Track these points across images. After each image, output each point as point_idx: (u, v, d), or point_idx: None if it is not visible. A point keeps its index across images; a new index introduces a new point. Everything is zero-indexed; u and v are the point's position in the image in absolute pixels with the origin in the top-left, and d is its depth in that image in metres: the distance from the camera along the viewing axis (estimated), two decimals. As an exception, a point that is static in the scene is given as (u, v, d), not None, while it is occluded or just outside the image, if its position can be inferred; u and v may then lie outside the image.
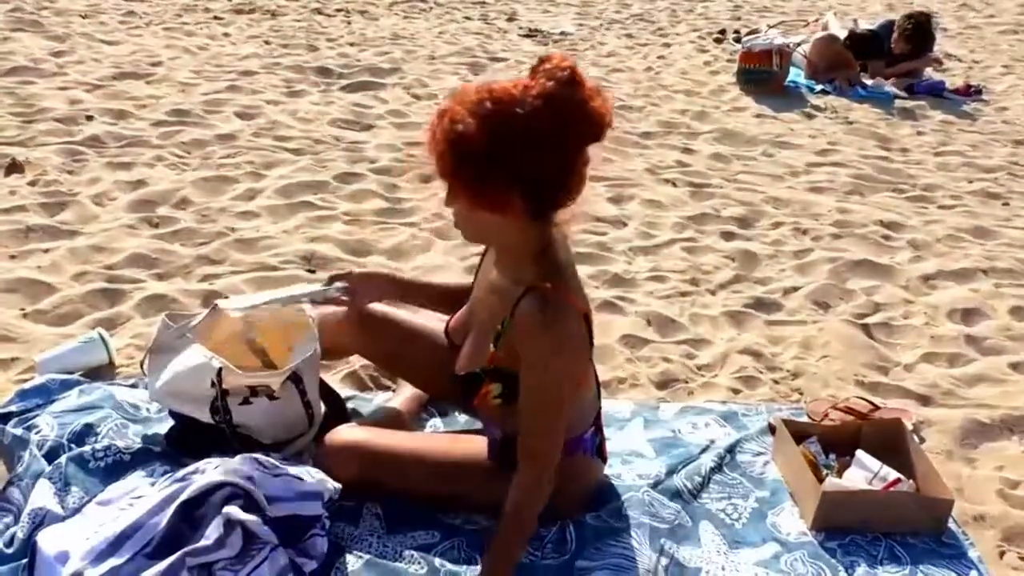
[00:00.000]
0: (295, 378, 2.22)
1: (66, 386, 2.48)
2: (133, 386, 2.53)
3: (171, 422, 2.30)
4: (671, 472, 2.36)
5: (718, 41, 7.79)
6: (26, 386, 2.46)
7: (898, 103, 6.38)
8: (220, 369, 2.14)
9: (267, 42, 6.51)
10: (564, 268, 1.89)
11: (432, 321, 2.36)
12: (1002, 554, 2.23)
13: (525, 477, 1.89)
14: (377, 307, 2.36)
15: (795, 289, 3.50)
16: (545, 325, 1.79)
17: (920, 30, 6.75)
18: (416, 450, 2.12)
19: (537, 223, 1.83)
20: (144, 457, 2.21)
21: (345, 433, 2.14)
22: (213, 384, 2.15)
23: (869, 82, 6.71)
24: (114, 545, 1.80)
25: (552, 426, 1.89)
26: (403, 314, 2.38)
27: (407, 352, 2.34)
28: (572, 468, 2.06)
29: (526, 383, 1.85)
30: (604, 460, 2.23)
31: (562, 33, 7.66)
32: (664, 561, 2.06)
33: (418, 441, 2.20)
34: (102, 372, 2.64)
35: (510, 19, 8.09)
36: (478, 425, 2.24)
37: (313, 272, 3.33)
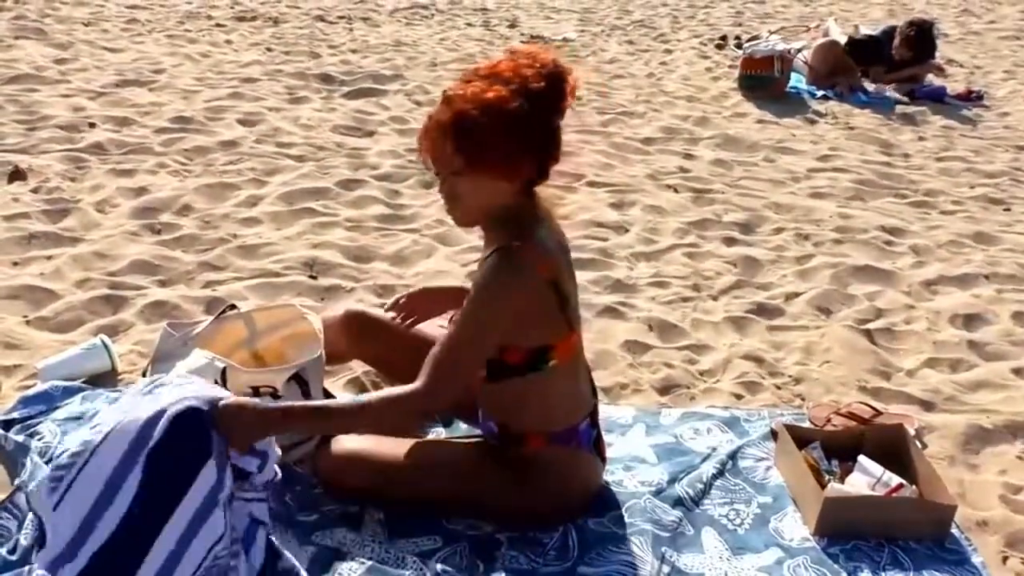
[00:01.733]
0: (299, 380, 2.22)
1: (68, 393, 2.48)
2: (135, 393, 2.53)
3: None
4: (673, 479, 2.35)
5: (719, 47, 7.80)
6: (29, 393, 2.47)
7: (899, 108, 6.38)
8: (224, 369, 2.15)
9: (269, 49, 6.53)
10: (536, 232, 1.93)
11: (429, 326, 2.37)
12: (1005, 559, 2.22)
13: (415, 387, 1.86)
14: (372, 312, 2.38)
15: (797, 294, 3.50)
16: (496, 270, 1.87)
17: (922, 36, 6.76)
18: (419, 457, 2.12)
19: (526, 189, 1.94)
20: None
21: (348, 442, 2.14)
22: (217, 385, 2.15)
23: (870, 88, 6.72)
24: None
25: (459, 346, 1.88)
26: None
27: (404, 357, 2.34)
28: (571, 461, 2.09)
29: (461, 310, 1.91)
30: (603, 460, 2.23)
31: (564, 39, 7.67)
32: (666, 569, 2.06)
33: (420, 448, 2.21)
34: (104, 379, 2.64)
35: (512, 26, 8.11)
36: (479, 433, 2.24)
37: (315, 279, 3.33)
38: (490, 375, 2.00)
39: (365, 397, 1.92)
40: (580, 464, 2.14)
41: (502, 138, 1.83)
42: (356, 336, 2.38)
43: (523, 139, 1.85)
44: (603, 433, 2.52)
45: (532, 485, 2.07)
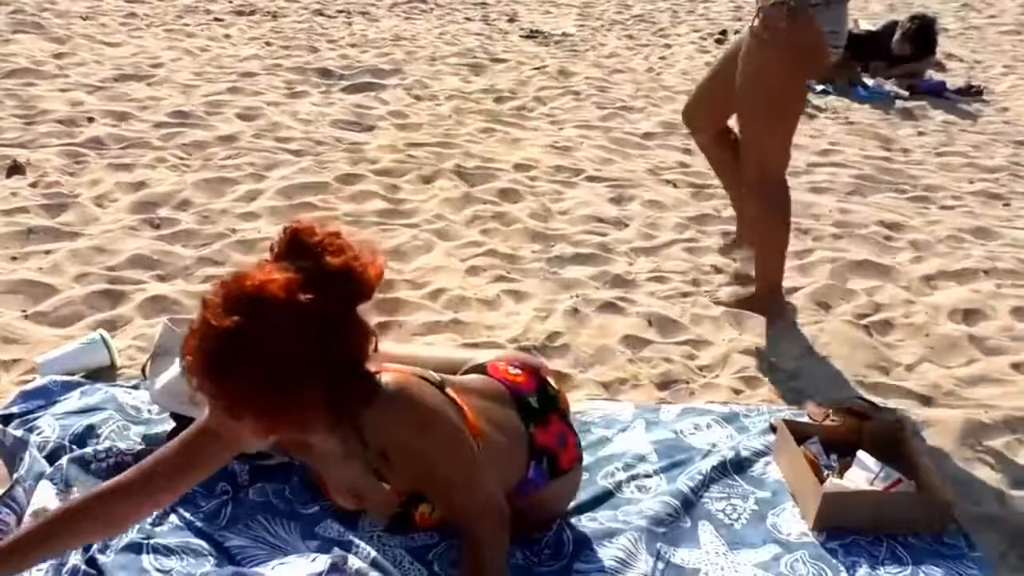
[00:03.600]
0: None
1: (67, 388, 2.48)
2: (135, 387, 2.53)
3: (172, 424, 2.30)
4: (673, 475, 2.36)
5: (719, 42, 7.79)
6: (28, 387, 2.47)
7: (899, 103, 6.37)
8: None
9: (268, 43, 6.52)
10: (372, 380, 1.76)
11: (437, 352, 2.36)
12: (1003, 554, 2.22)
13: (481, 549, 1.83)
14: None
15: (796, 289, 3.50)
16: (425, 416, 1.76)
17: (924, 31, 6.75)
18: None
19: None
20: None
21: None
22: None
23: (870, 82, 6.71)
24: None
25: (474, 480, 1.84)
26: (409, 351, 2.31)
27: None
28: (538, 504, 2.05)
29: (428, 470, 1.80)
30: (565, 466, 2.08)
31: (563, 34, 7.66)
32: (660, 566, 2.06)
33: None
34: (103, 373, 2.64)
35: (511, 20, 8.09)
36: None
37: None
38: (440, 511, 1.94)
39: None
40: (547, 500, 2.09)
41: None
42: None
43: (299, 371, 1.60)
44: (603, 430, 2.53)
45: (514, 520, 1.98)
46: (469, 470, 1.84)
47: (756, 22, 2.91)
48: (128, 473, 1.78)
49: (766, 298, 3.25)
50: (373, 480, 1.86)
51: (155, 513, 2.02)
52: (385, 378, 1.76)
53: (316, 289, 1.56)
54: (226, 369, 1.54)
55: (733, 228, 4.03)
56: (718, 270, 3.61)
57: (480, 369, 2.12)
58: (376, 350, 1.70)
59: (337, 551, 1.92)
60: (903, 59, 6.78)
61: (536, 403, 2.07)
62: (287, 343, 1.55)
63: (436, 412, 1.81)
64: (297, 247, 1.62)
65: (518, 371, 2.11)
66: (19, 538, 1.73)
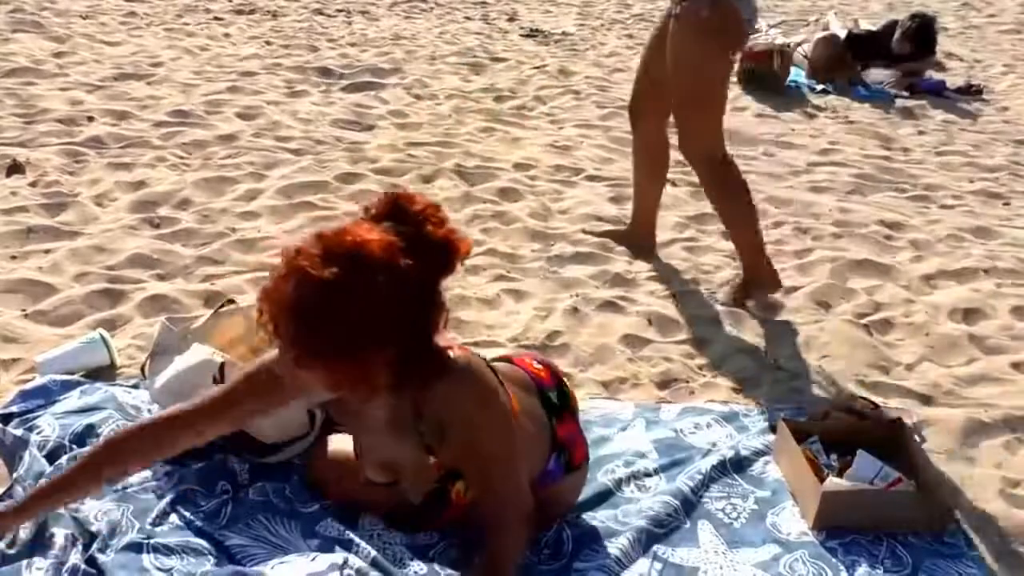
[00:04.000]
0: (297, 377, 2.22)
1: (67, 387, 2.48)
2: (134, 387, 2.53)
3: (172, 423, 2.30)
4: (672, 474, 2.36)
5: (719, 41, 7.78)
6: (27, 387, 2.47)
7: (899, 103, 6.37)
8: (223, 364, 2.15)
9: (268, 43, 6.52)
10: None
11: None
12: (1003, 554, 2.22)
13: (506, 536, 1.86)
14: None
15: (796, 288, 3.50)
16: (481, 393, 1.79)
17: (924, 31, 6.74)
18: None
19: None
20: (145, 457, 2.22)
21: (339, 443, 2.14)
22: (215, 380, 2.15)
23: (882, 73, 6.68)
24: None
25: (515, 461, 1.88)
26: None
27: None
28: (554, 497, 2.07)
29: (478, 445, 1.82)
30: (577, 462, 2.14)
31: (563, 33, 7.66)
32: (658, 566, 2.05)
33: None
34: (103, 373, 2.64)
35: (511, 19, 8.09)
36: None
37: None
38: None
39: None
40: (561, 494, 2.12)
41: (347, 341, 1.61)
42: None
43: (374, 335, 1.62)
44: (603, 429, 2.53)
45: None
46: (512, 450, 1.87)
47: (678, 9, 2.99)
48: (176, 407, 1.84)
49: (755, 275, 3.28)
50: (419, 453, 1.86)
51: (154, 510, 2.03)
52: (453, 353, 1.79)
53: (415, 256, 1.58)
54: (314, 318, 1.55)
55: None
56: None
57: (506, 360, 2.15)
58: (446, 326, 1.73)
59: (338, 550, 1.92)
60: (903, 58, 6.77)
61: (556, 399, 2.09)
62: (378, 304, 1.56)
63: (495, 390, 1.85)
64: (398, 212, 1.64)
65: (540, 366, 2.15)
66: (57, 478, 1.84)
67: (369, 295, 1.55)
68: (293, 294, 1.55)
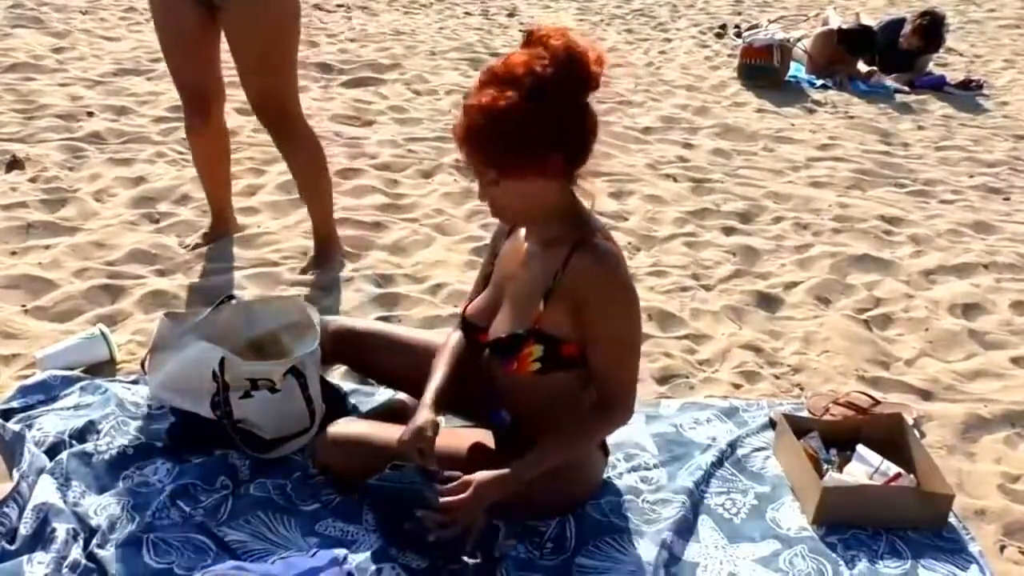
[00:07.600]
0: (296, 372, 2.22)
1: (67, 383, 2.48)
2: (134, 382, 2.53)
3: (172, 419, 2.31)
4: (673, 469, 2.36)
5: (719, 36, 7.78)
6: (27, 382, 2.47)
7: (899, 98, 6.37)
8: (223, 359, 2.15)
9: (267, 38, 6.50)
10: (596, 220, 1.98)
11: (414, 332, 2.41)
12: (1002, 548, 2.23)
13: (616, 416, 1.99)
14: (358, 325, 2.38)
15: (796, 284, 3.50)
16: (612, 271, 1.89)
17: (934, 26, 6.73)
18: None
19: (570, 180, 1.93)
20: (146, 453, 2.23)
21: (344, 427, 2.13)
22: (215, 376, 2.15)
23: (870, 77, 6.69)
24: None
25: (636, 366, 2.01)
26: (383, 327, 2.43)
27: (390, 364, 2.31)
28: (580, 462, 2.08)
29: (607, 332, 1.92)
30: (607, 454, 2.24)
31: (563, 28, 7.65)
32: (664, 555, 2.06)
33: None
34: (103, 369, 2.64)
35: (511, 15, 8.08)
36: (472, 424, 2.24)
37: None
38: (543, 366, 1.95)
39: (575, 430, 1.97)
40: (588, 464, 2.14)
41: (523, 143, 1.80)
42: (345, 351, 2.34)
43: (545, 138, 1.81)
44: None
45: (541, 481, 1.98)
46: (640, 344, 2.03)
47: None
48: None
49: (329, 245, 3.35)
50: (538, 296, 1.94)
51: (154, 505, 2.05)
52: (600, 237, 1.93)
53: (554, 67, 1.78)
54: (502, 136, 1.79)
55: (734, 223, 4.03)
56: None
57: None
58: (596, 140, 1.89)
59: (338, 548, 1.93)
60: (906, 54, 6.75)
61: None
62: (544, 110, 1.78)
63: (633, 287, 1.97)
64: (528, 39, 1.85)
65: None
66: (527, 463, 1.93)
67: (530, 106, 1.77)
68: (480, 124, 1.79)
